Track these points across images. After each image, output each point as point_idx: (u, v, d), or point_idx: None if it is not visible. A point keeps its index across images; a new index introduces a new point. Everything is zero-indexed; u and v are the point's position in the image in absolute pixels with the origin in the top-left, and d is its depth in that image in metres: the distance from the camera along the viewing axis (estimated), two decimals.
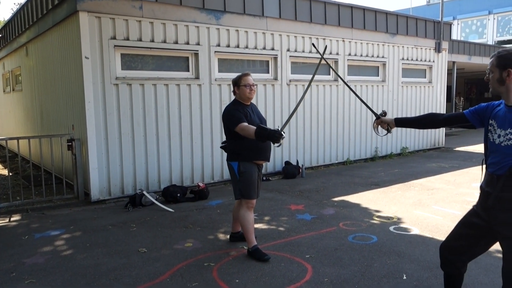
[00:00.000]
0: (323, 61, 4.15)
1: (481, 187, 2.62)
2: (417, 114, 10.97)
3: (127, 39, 6.67)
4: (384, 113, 3.33)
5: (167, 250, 4.55)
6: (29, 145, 6.93)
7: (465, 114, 2.73)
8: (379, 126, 3.32)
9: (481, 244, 2.66)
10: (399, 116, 10.68)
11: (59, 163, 7.39)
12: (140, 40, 6.80)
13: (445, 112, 8.35)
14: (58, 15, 7.13)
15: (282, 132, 3.72)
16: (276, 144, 3.76)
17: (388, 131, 3.29)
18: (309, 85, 4.33)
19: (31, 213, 6.17)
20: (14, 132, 11.96)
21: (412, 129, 11.42)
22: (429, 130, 12.03)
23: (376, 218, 5.62)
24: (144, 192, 6.50)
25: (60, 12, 7.00)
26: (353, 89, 9.85)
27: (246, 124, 4.03)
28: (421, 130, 11.72)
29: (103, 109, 6.53)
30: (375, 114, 3.39)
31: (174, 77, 7.26)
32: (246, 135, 3.99)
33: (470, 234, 2.65)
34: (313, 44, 4.50)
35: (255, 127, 3.90)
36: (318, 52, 4.54)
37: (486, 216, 2.54)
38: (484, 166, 2.61)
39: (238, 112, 4.15)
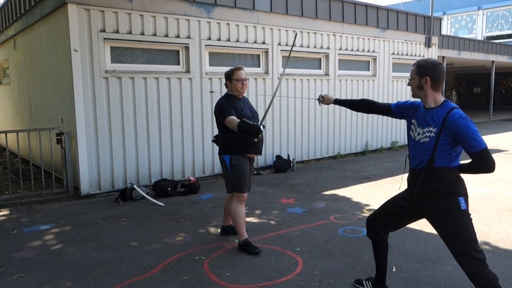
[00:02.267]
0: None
1: (407, 179, 3.02)
2: None
3: (117, 32, 6.60)
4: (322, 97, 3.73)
5: (157, 244, 4.55)
6: (18, 139, 6.85)
7: (392, 106, 3.21)
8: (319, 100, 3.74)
9: (404, 221, 3.16)
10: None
11: (48, 157, 7.31)
12: (130, 33, 6.73)
13: None
14: (46, 7, 7.02)
15: (261, 127, 3.76)
16: (255, 139, 3.81)
17: (322, 99, 3.70)
18: (279, 84, 4.36)
19: (20, 208, 6.11)
20: (2, 126, 11.80)
21: (403, 124, 11.51)
22: None
23: (366, 211, 5.66)
24: (135, 186, 6.47)
25: (48, 4, 6.90)
26: (344, 83, 9.96)
27: (233, 117, 4.04)
28: None
29: (93, 102, 6.47)
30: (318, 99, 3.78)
31: (165, 70, 7.22)
32: (232, 128, 4.01)
33: (396, 213, 3.12)
34: (295, 34, 4.50)
35: (238, 120, 3.92)
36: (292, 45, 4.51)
37: (413, 203, 2.96)
38: (408, 161, 3.02)
39: (228, 105, 4.15)
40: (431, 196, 2.81)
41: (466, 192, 2.81)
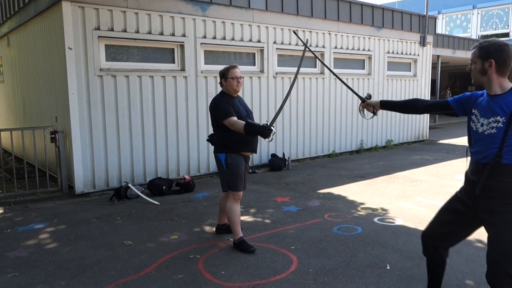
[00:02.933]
0: (308, 53, 4.15)
1: (466, 175, 2.64)
2: None
3: (112, 30, 6.58)
4: (369, 96, 3.35)
5: (152, 243, 4.54)
6: (11, 137, 6.82)
7: (449, 101, 2.78)
8: (365, 109, 3.31)
9: (464, 230, 2.71)
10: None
11: (42, 156, 7.28)
12: (125, 31, 6.71)
13: None
14: (40, 5, 6.99)
15: (272, 127, 3.78)
16: (267, 139, 3.83)
17: (374, 113, 3.29)
18: (295, 79, 4.34)
19: (14, 206, 6.08)
20: None
21: (397, 122, 11.56)
22: (414, 122, 12.19)
23: (360, 210, 5.68)
24: (129, 185, 6.45)
25: (42, 1, 6.87)
26: (339, 82, 9.96)
27: (235, 118, 4.05)
28: (405, 123, 11.87)
29: (87, 101, 6.45)
30: (361, 97, 3.39)
31: (160, 69, 7.20)
32: (235, 130, 4.03)
33: (454, 220, 2.69)
34: (294, 32, 4.46)
35: (244, 123, 3.94)
36: (301, 40, 4.49)
37: (471, 203, 2.57)
38: (469, 154, 2.64)
39: (227, 105, 4.15)
40: (493, 196, 2.46)
41: None
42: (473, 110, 2.60)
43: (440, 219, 2.78)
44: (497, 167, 2.42)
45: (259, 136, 4.01)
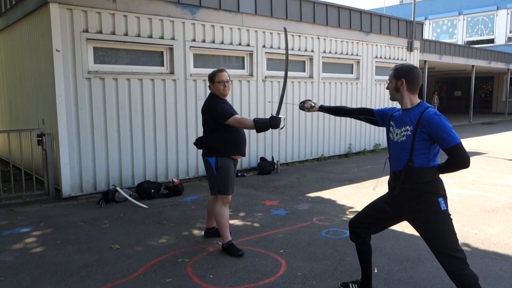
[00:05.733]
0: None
1: (388, 182, 3.09)
2: None
3: (100, 32, 6.54)
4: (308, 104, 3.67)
5: (140, 247, 4.51)
6: None
7: (374, 111, 3.30)
8: (305, 105, 3.67)
9: (385, 224, 3.23)
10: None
11: (28, 159, 7.19)
12: (114, 33, 6.67)
13: None
14: (27, 6, 6.92)
15: (280, 116, 3.96)
16: (280, 126, 4.00)
17: (312, 107, 3.61)
18: (285, 81, 4.32)
19: None
20: None
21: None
22: None
23: (349, 213, 5.72)
24: (118, 188, 6.40)
25: (30, 3, 6.80)
26: (328, 86, 10.04)
27: (239, 116, 4.15)
28: None
29: (75, 103, 6.39)
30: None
31: (149, 71, 7.17)
32: (243, 127, 4.14)
33: (378, 216, 3.18)
34: (284, 28, 4.42)
35: (251, 119, 4.06)
36: (285, 41, 4.43)
37: (395, 206, 3.02)
38: (389, 163, 3.08)
39: (224, 105, 4.20)
40: (411, 197, 2.88)
41: (445, 193, 2.88)
42: (391, 122, 3.08)
43: (368, 213, 3.24)
44: (411, 171, 2.85)
45: (247, 139, 4.03)
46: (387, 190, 3.14)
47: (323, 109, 3.63)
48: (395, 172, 2.98)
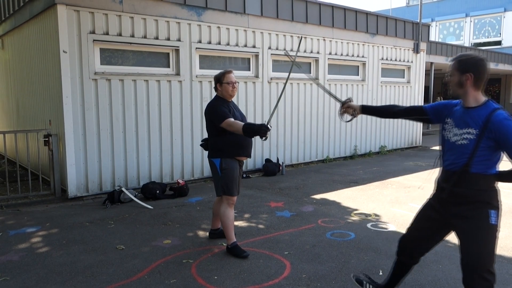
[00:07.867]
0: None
1: (437, 181, 2.75)
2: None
3: (107, 33, 6.58)
4: (350, 100, 3.33)
5: (145, 247, 4.53)
6: (4, 140, 6.79)
7: (424, 108, 2.87)
8: (345, 112, 3.31)
9: (438, 235, 2.83)
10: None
11: (35, 159, 7.24)
12: (120, 35, 6.71)
13: None
14: (35, 8, 6.97)
15: (269, 126, 3.84)
16: (263, 138, 3.87)
17: (354, 115, 3.28)
18: (285, 83, 4.37)
19: (5, 210, 6.04)
20: None
21: (391, 128, 11.63)
22: (407, 128, 12.26)
23: (354, 215, 5.70)
24: (123, 189, 6.43)
25: (37, 4, 6.86)
26: (334, 88, 10.03)
27: (233, 120, 4.09)
28: (399, 129, 11.94)
29: (81, 104, 6.43)
30: (340, 100, 3.37)
31: (155, 73, 7.20)
32: (234, 131, 4.05)
33: (427, 226, 2.82)
34: (299, 38, 4.42)
35: (241, 123, 3.99)
36: (296, 50, 4.53)
37: (442, 209, 2.69)
38: (441, 162, 2.73)
39: (223, 107, 4.18)
40: (461, 203, 2.58)
41: (498, 205, 2.55)
42: (447, 119, 2.68)
43: (415, 226, 2.90)
44: (465, 175, 2.53)
45: (253, 141, 4.03)
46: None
47: (366, 112, 3.22)
48: (447, 172, 2.63)
